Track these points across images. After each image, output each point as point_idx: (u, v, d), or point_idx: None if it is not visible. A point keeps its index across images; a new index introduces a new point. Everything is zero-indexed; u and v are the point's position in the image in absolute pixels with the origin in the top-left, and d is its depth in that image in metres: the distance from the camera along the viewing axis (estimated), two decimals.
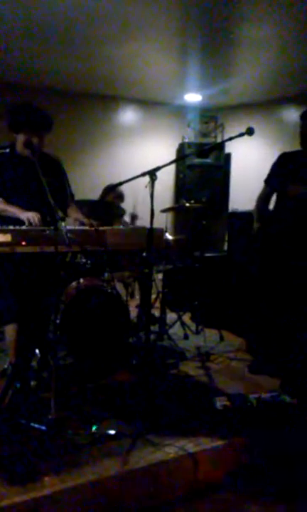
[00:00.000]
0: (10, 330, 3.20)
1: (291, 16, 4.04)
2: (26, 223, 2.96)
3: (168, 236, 4.67)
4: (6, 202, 3.11)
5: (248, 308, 4.22)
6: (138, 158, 6.94)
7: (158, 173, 2.90)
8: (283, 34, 4.45)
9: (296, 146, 3.68)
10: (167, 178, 7.30)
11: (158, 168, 2.90)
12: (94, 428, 2.69)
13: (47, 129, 3.19)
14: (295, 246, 3.51)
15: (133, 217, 5.28)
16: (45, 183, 2.69)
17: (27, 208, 3.08)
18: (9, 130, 3.18)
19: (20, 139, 3.13)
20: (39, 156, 3.04)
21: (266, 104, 6.82)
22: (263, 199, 3.81)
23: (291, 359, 3.55)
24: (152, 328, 4.52)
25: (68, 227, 2.87)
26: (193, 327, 4.90)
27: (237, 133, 3.02)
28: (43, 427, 2.60)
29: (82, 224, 3.28)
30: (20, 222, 3.00)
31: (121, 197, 5.36)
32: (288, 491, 2.58)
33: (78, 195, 3.65)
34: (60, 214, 3.09)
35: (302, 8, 3.88)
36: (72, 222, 3.34)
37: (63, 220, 2.78)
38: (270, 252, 3.69)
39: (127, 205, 5.20)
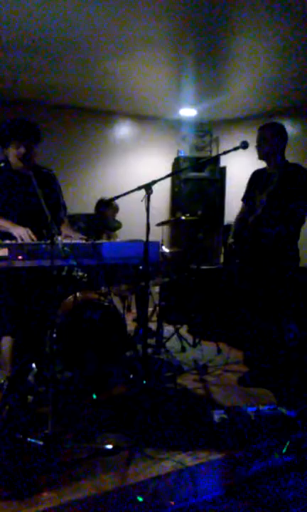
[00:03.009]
0: (6, 344, 3.19)
1: (285, 30, 4.10)
2: (18, 239, 2.97)
3: (165, 249, 4.69)
4: None
5: (242, 319, 4.22)
6: (133, 173, 6.98)
7: (154, 187, 2.93)
8: (276, 48, 4.51)
9: (292, 158, 3.74)
10: (163, 191, 7.33)
11: (153, 182, 2.93)
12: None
13: (34, 138, 3.19)
14: (257, 258, 3.66)
15: None
16: (41, 196, 2.70)
17: (23, 221, 3.10)
18: (1, 147, 3.21)
19: (12, 152, 3.16)
20: (33, 168, 3.06)
21: (260, 118, 6.86)
22: (240, 217, 3.97)
23: (287, 371, 3.55)
24: (149, 341, 4.51)
25: (65, 241, 2.89)
26: (190, 340, 4.90)
27: (231, 147, 3.07)
28: (40, 442, 2.58)
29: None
30: (14, 236, 3.01)
31: (117, 210, 5.39)
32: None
33: (74, 210, 3.67)
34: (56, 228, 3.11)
35: (295, 22, 3.94)
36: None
37: (59, 233, 2.80)
38: (247, 263, 3.82)
39: (126, 219, 5.21)
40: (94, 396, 3.40)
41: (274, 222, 3.53)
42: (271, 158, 3.68)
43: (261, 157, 3.73)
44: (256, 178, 3.85)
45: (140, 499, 2.33)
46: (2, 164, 3.26)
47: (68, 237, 3.33)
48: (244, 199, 3.95)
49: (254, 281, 3.73)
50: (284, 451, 2.82)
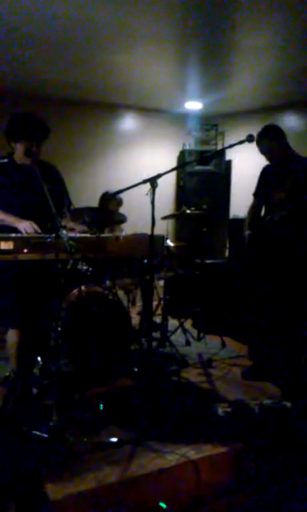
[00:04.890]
0: (11, 337, 3.20)
1: (290, 22, 4.07)
2: (23, 233, 2.97)
3: (169, 243, 4.68)
4: (3, 211, 3.12)
5: (248, 314, 4.22)
6: (139, 166, 6.97)
7: (159, 181, 2.92)
8: (282, 40, 4.48)
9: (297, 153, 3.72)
10: (168, 185, 7.32)
11: (159, 176, 2.92)
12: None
13: (45, 137, 3.22)
14: (282, 249, 3.61)
15: None
16: (46, 190, 2.70)
17: (28, 215, 3.10)
18: (8, 140, 3.21)
19: (20, 148, 3.16)
20: (38, 164, 3.06)
21: (266, 111, 6.85)
22: (253, 211, 3.97)
23: (292, 365, 3.55)
24: (154, 334, 4.52)
25: (70, 235, 2.89)
26: (195, 334, 4.90)
27: (237, 140, 3.05)
28: (45, 435, 2.60)
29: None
30: (18, 231, 3.01)
31: (121, 203, 5.38)
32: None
33: (79, 203, 3.66)
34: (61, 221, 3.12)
35: (300, 14, 3.91)
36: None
37: (64, 227, 2.80)
38: (261, 257, 3.78)
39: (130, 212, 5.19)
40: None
41: (295, 218, 3.51)
42: (284, 158, 3.65)
43: (274, 163, 3.72)
44: (269, 173, 3.82)
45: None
46: (6, 160, 3.27)
47: (72, 229, 3.33)
48: (255, 194, 3.94)
49: (266, 278, 3.71)
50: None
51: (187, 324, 5.10)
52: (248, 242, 3.89)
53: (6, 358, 3.45)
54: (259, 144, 3.63)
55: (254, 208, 3.95)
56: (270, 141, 3.60)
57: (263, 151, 3.65)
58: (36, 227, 3.02)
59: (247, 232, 3.91)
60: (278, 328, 3.70)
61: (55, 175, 3.45)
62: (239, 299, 4.80)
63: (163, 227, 4.48)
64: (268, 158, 3.70)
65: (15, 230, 3.01)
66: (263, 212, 3.91)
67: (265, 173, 3.88)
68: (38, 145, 3.18)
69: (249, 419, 2.87)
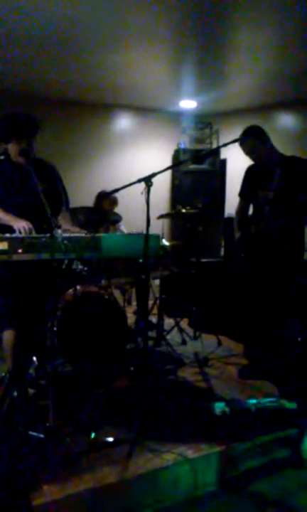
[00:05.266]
0: (7, 337, 3.19)
1: (286, 22, 4.07)
2: (17, 232, 2.95)
3: (165, 242, 4.68)
4: (1, 209, 3.11)
5: (243, 312, 4.23)
6: (133, 165, 6.96)
7: (154, 180, 2.91)
8: (277, 40, 4.48)
9: (290, 152, 3.73)
10: (163, 184, 7.31)
11: (153, 175, 2.91)
12: (92, 435, 2.69)
13: (35, 132, 3.17)
14: (272, 244, 3.66)
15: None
16: (41, 190, 2.69)
17: (23, 215, 3.08)
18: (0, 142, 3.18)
19: (13, 147, 3.14)
20: (33, 162, 3.03)
21: (260, 110, 6.85)
22: (240, 212, 4.01)
23: (288, 362, 3.56)
24: (149, 334, 4.52)
25: (64, 235, 2.87)
26: (191, 333, 4.90)
27: (232, 139, 3.05)
28: (41, 435, 2.59)
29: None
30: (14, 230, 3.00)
31: (116, 203, 5.37)
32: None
33: (74, 203, 3.65)
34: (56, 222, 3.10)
35: (297, 14, 3.91)
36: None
37: (59, 227, 2.78)
38: (253, 254, 3.83)
39: (126, 212, 5.18)
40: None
41: (283, 216, 3.55)
42: (269, 158, 3.67)
43: (260, 163, 3.74)
44: (254, 174, 3.85)
45: None
46: (2, 157, 3.24)
47: (67, 230, 3.32)
48: (241, 195, 3.98)
49: (260, 277, 3.74)
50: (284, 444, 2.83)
51: (183, 323, 5.09)
52: (239, 243, 3.92)
53: (1, 358, 3.43)
54: (242, 145, 3.65)
55: (241, 209, 3.99)
56: (254, 141, 3.61)
57: (247, 151, 3.67)
58: (32, 228, 3.00)
59: (238, 234, 3.94)
60: (273, 326, 3.71)
61: (52, 173, 3.42)
62: (234, 297, 4.80)
63: (158, 227, 4.49)
64: (253, 158, 3.72)
65: (10, 229, 2.99)
66: (251, 212, 3.94)
67: (250, 173, 3.90)
68: (29, 142, 3.15)
69: (246, 418, 2.87)
